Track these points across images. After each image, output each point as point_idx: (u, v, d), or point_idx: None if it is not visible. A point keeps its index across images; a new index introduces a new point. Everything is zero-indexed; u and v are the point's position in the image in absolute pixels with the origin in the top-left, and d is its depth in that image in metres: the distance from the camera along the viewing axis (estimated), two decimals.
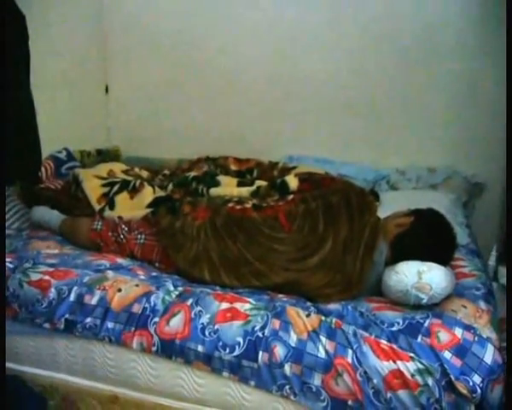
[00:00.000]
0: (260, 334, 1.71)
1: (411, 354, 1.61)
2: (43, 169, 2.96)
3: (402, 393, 1.58)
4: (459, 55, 3.14)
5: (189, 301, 1.82)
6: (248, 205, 2.27)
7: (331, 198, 2.16)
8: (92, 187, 2.61)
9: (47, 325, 1.89)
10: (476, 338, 1.64)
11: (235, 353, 1.70)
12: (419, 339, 1.64)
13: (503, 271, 2.64)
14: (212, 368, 1.73)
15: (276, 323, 1.72)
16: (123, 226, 2.27)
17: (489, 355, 1.60)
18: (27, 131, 2.32)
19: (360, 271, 1.95)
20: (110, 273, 1.99)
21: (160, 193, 2.63)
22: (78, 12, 3.46)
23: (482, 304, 1.84)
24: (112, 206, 2.51)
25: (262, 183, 2.68)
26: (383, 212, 2.23)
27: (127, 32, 3.71)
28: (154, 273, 2.10)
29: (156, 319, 1.79)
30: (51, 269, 2.01)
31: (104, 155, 3.64)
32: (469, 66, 3.13)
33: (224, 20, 3.51)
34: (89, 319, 1.84)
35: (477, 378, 1.56)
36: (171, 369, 1.79)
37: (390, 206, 2.47)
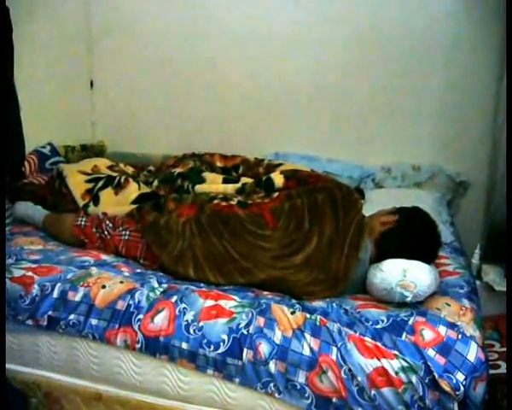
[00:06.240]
0: (245, 331, 1.70)
1: (395, 352, 1.61)
2: (26, 164, 2.94)
3: (386, 390, 1.59)
4: (444, 55, 3.15)
5: (174, 299, 1.81)
6: (234, 202, 2.27)
7: (316, 196, 2.16)
8: (76, 183, 2.59)
9: (30, 322, 1.87)
10: (460, 336, 1.64)
11: (220, 350, 1.69)
12: (403, 337, 1.65)
13: (486, 269, 2.67)
14: (196, 365, 1.72)
15: (261, 320, 1.72)
16: (107, 222, 2.26)
17: (472, 353, 1.61)
18: (11, 125, 2.29)
19: (345, 268, 1.96)
20: (94, 270, 1.98)
21: (145, 189, 2.61)
22: (64, 7, 3.43)
23: (466, 302, 1.85)
24: (96, 202, 2.49)
25: (247, 180, 2.67)
26: (368, 210, 2.24)
27: (112, 27, 3.69)
28: (138, 270, 2.09)
29: (140, 316, 1.78)
30: (34, 265, 2.00)
31: (89, 151, 3.62)
32: (455, 66, 3.15)
33: (211, 20, 3.50)
34: (72, 316, 1.83)
35: (460, 376, 1.57)
36: (156, 366, 1.78)
37: (375, 204, 2.49)
